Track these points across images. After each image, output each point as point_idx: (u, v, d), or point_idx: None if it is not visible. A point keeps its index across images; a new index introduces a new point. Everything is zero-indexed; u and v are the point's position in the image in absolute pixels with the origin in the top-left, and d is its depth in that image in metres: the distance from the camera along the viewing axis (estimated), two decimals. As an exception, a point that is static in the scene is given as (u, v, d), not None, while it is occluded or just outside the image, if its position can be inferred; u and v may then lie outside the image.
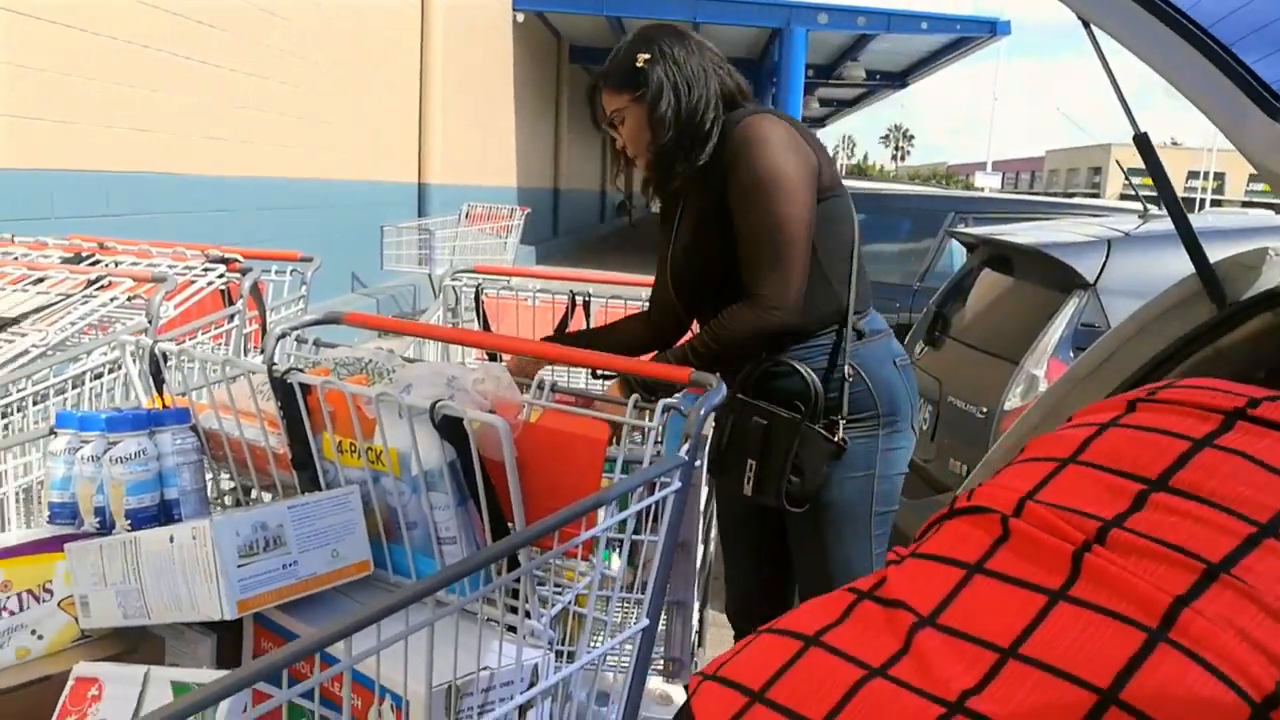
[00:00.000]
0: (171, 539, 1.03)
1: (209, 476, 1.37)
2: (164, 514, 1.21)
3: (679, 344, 1.84)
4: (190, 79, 5.17)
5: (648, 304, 2.14)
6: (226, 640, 1.13)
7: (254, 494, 1.42)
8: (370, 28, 7.86)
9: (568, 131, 17.76)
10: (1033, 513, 0.72)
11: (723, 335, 1.74)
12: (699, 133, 1.76)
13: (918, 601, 0.70)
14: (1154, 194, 1.60)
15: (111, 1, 4.43)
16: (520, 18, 13.16)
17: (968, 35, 13.97)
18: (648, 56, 1.77)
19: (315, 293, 2.61)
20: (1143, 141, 1.39)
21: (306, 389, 1.17)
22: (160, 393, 1.33)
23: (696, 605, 1.73)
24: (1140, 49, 1.33)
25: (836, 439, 1.74)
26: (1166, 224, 1.40)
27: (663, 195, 1.95)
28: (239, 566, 1.01)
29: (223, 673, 0.75)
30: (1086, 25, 1.38)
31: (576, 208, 19.70)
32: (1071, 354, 2.64)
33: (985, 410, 2.82)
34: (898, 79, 18.60)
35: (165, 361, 1.30)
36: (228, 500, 1.46)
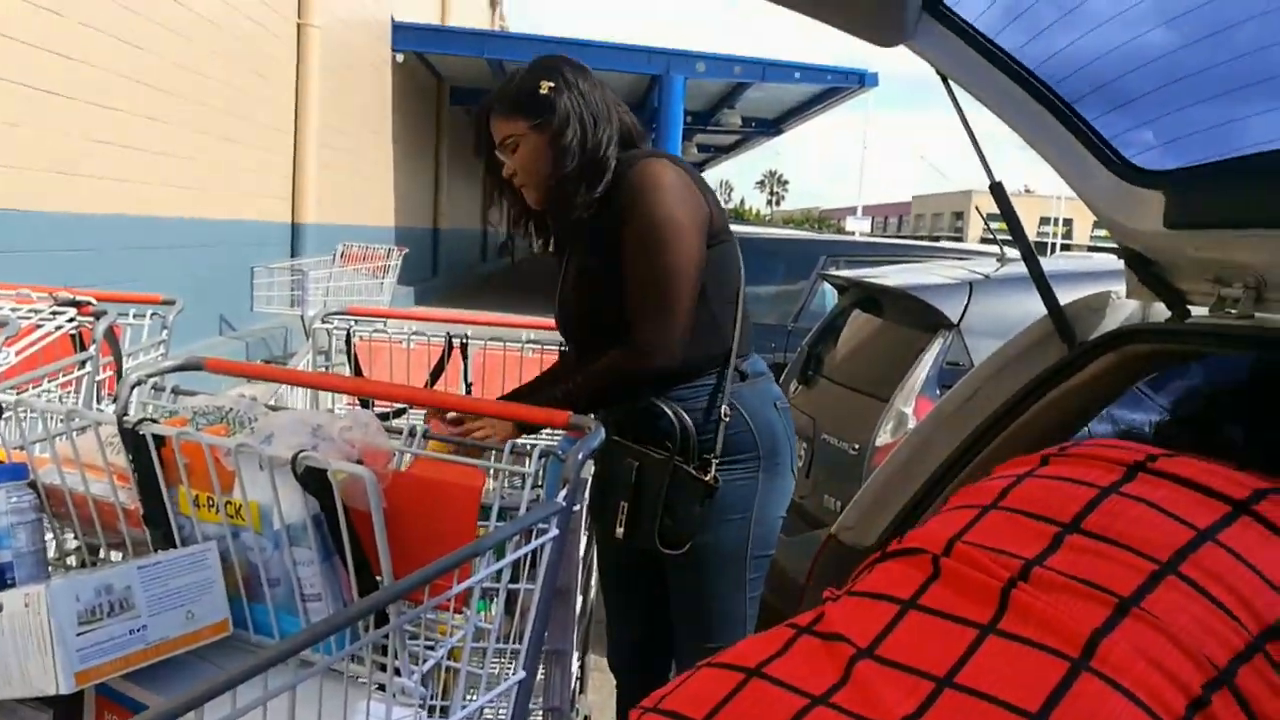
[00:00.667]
0: (0, 607, 0.94)
1: (50, 536, 1.27)
2: (-4, 579, 1.12)
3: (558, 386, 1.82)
4: (42, 110, 4.90)
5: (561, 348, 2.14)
6: (63, 715, 1.05)
7: (102, 553, 1.32)
8: (242, 61, 7.63)
9: (448, 171, 17.62)
10: (961, 552, 0.77)
11: (598, 379, 1.73)
12: (601, 165, 1.76)
13: (856, 634, 0.73)
14: (1010, 239, 1.69)
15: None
16: (400, 58, 13.05)
17: (838, 86, 14.54)
18: (552, 85, 1.75)
19: (181, 337, 2.49)
20: (998, 190, 1.46)
21: (160, 440, 1.10)
22: (-7, 447, 1.23)
23: (576, 654, 1.70)
24: (993, 104, 1.41)
25: (708, 478, 1.74)
26: (1022, 267, 1.48)
27: (552, 234, 1.95)
28: (79, 635, 0.93)
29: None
30: (945, 80, 1.45)
31: (457, 247, 19.50)
32: (938, 391, 2.74)
33: (858, 447, 2.89)
34: (772, 126, 19.20)
35: (1, 414, 1.21)
36: (72, 560, 1.36)
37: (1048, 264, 1.55)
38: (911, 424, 2.69)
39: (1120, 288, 1.44)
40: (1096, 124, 1.39)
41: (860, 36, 1.40)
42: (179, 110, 6.47)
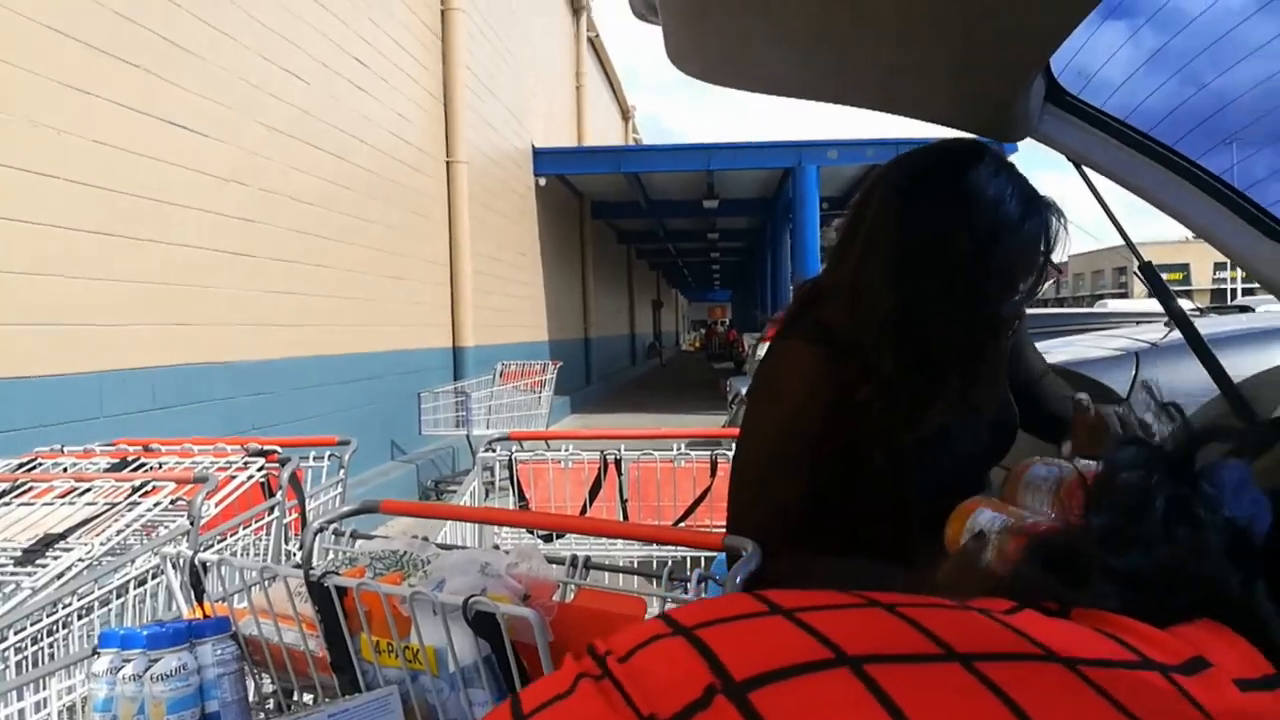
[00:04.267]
0: (212, 761, 1.02)
1: (250, 682, 1.37)
2: (205, 728, 1.21)
3: None
4: (230, 270, 5.42)
5: None
6: None
7: (295, 695, 1.41)
8: (399, 203, 8.23)
9: (594, 281, 18.22)
10: None
11: None
12: None
13: None
14: (1184, 290, 1.60)
15: (147, 205, 4.70)
16: (542, 181, 13.74)
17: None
18: None
19: (359, 463, 2.65)
20: (1148, 271, 1.40)
21: (343, 591, 1.18)
22: (200, 602, 1.34)
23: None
24: (1132, 185, 1.37)
25: None
26: (1199, 327, 1.39)
27: None
28: (279, 785, 0.99)
29: None
30: (1077, 166, 1.42)
31: (607, 354, 20.00)
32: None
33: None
34: (912, 203, 18.98)
35: (205, 571, 1.32)
36: (269, 705, 1.45)
37: (1242, 321, 1.47)
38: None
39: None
40: (1251, 193, 1.33)
41: (984, 135, 1.40)
42: (344, 255, 7.00)
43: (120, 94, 4.46)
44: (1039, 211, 1.24)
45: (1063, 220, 1.24)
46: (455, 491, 7.74)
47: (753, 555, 1.22)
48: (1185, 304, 3.39)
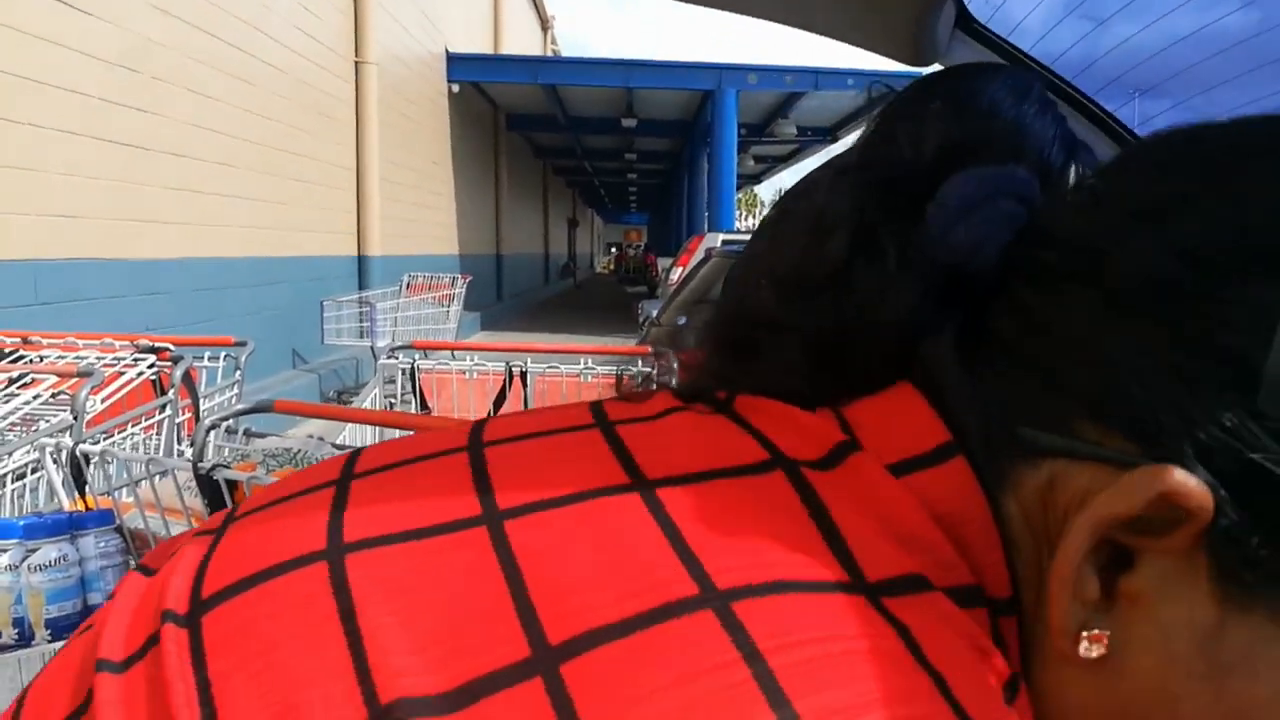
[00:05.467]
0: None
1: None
2: (88, 620, 1.19)
3: None
4: (122, 162, 5.14)
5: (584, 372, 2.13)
6: None
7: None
8: (303, 102, 7.88)
9: (508, 198, 17.91)
10: None
11: None
12: None
13: None
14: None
15: (24, 85, 4.40)
16: (456, 88, 13.33)
17: (893, 89, 14.41)
18: None
19: (255, 371, 2.59)
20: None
21: (233, 485, 1.16)
22: (83, 495, 1.31)
23: None
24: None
25: None
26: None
27: None
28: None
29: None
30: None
31: (520, 271, 19.78)
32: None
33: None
34: (828, 134, 19.10)
35: (87, 463, 1.29)
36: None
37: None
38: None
39: None
40: (1132, 125, 1.38)
41: (891, 57, 1.41)
42: (246, 154, 6.71)
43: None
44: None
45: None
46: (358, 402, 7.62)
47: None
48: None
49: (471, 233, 14.79)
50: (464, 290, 8.34)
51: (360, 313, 7.53)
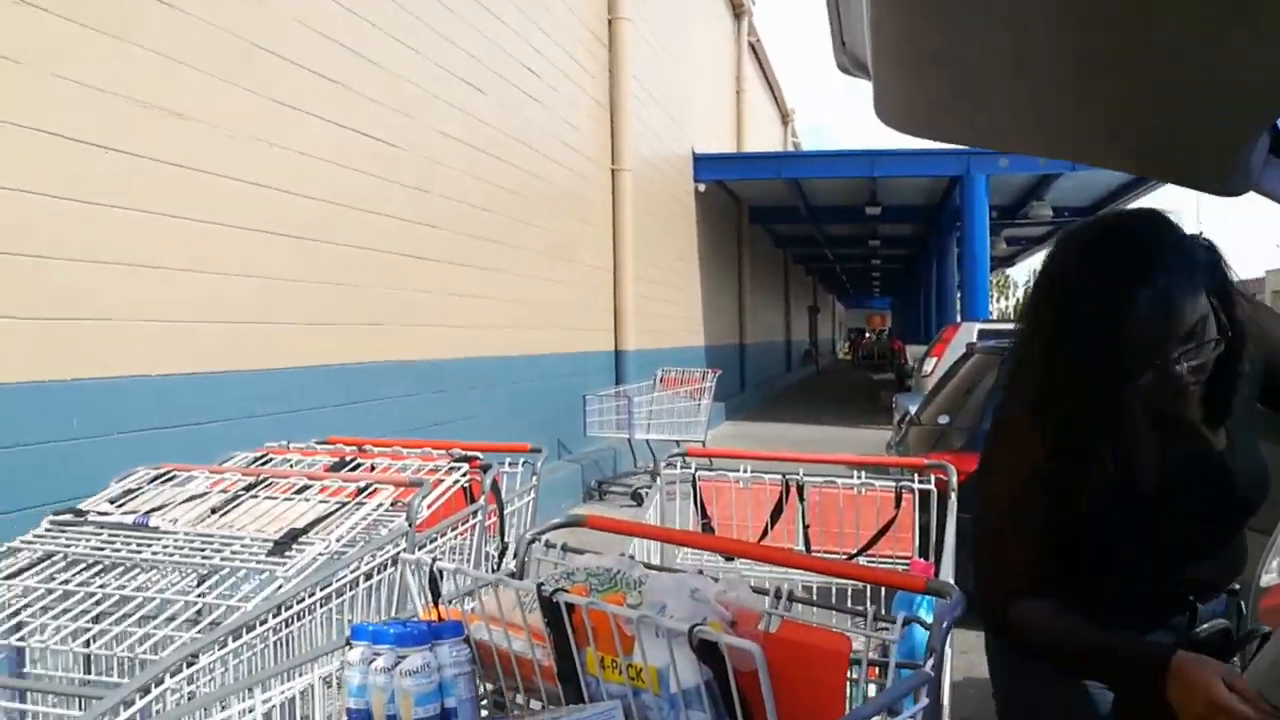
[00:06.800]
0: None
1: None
2: (444, 722, 1.33)
3: None
4: (415, 274, 5.76)
5: None
6: None
7: (510, 696, 1.52)
8: (567, 210, 8.50)
9: (750, 287, 18.21)
10: None
11: None
12: None
13: None
14: None
15: (341, 214, 5.05)
16: (702, 188, 13.85)
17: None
18: None
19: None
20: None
21: (571, 607, 1.28)
22: (436, 605, 1.47)
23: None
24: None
25: None
26: None
27: None
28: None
29: None
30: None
31: (762, 359, 19.93)
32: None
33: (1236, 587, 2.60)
34: (1088, 213, 18.08)
35: (442, 577, 1.45)
36: (484, 702, 1.58)
37: None
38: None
39: None
40: None
41: (1203, 190, 1.37)
42: (516, 260, 7.30)
43: (321, 108, 4.83)
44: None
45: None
46: (618, 492, 7.92)
47: (958, 602, 1.26)
48: None
49: (716, 323, 15.13)
50: (713, 385, 8.54)
51: (618, 405, 7.90)
